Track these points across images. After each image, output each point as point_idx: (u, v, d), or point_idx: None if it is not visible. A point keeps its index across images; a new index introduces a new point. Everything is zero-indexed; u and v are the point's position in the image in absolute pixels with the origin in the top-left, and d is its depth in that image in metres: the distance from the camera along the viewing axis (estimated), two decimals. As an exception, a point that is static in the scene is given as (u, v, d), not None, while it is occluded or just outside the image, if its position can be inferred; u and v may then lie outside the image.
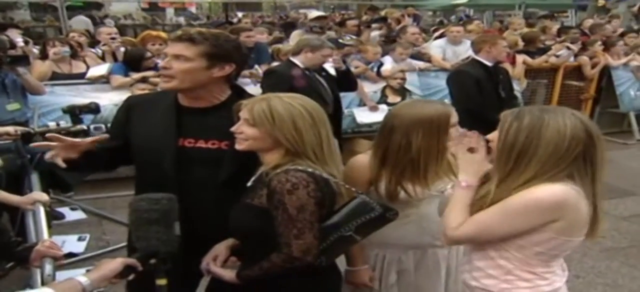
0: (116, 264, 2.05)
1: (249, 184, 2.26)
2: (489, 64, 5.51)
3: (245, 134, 2.18)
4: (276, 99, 2.19)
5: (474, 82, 5.39)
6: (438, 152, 2.53)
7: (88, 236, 5.35)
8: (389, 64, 7.60)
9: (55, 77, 6.55)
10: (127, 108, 2.67)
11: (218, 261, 2.32)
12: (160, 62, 2.48)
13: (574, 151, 1.98)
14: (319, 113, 2.23)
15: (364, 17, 11.19)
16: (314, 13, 10.56)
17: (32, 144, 3.90)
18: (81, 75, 6.66)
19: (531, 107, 2.16)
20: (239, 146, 2.22)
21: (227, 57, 2.46)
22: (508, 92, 5.76)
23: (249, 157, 2.25)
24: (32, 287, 3.12)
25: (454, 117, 2.57)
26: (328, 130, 2.24)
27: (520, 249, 2.09)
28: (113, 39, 7.54)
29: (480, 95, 5.43)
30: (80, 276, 1.94)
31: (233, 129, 2.22)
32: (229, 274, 2.25)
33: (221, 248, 2.34)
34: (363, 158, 2.66)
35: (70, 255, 4.74)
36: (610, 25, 11.19)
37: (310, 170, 2.11)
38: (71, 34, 7.67)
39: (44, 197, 3.34)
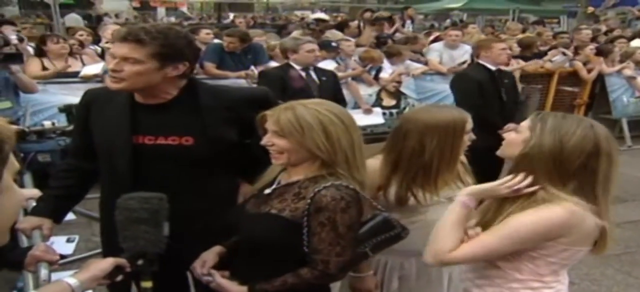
0: (106, 264, 1.97)
1: (267, 191, 2.19)
2: (492, 67, 5.48)
3: (277, 145, 2.08)
4: (301, 107, 2.08)
5: (476, 85, 5.35)
6: (451, 157, 2.49)
7: (77, 237, 5.25)
8: (387, 69, 7.58)
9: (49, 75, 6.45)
10: (86, 103, 2.59)
11: (205, 268, 2.24)
12: (110, 65, 2.36)
13: (576, 161, 1.95)
14: (348, 117, 2.14)
15: (367, 14, 11.05)
16: (316, 14, 10.57)
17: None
18: (76, 74, 6.56)
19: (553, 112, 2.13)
20: (277, 161, 2.12)
21: (179, 56, 2.37)
22: (512, 96, 5.71)
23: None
24: (19, 289, 3.05)
25: (469, 124, 2.53)
26: (359, 134, 2.16)
27: (533, 260, 2.06)
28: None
29: (481, 98, 5.42)
30: (68, 277, 1.86)
31: (263, 142, 2.12)
32: (237, 288, 2.14)
33: (209, 255, 2.27)
34: (373, 163, 2.59)
35: (59, 257, 4.65)
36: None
37: (352, 186, 2.04)
38: (79, 32, 7.59)
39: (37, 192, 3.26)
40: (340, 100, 5.75)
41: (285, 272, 2.08)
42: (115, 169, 2.42)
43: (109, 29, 7.83)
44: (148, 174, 2.36)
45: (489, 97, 5.30)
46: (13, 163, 1.28)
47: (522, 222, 1.99)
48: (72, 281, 1.84)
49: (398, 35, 10.42)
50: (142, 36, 2.28)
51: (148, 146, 2.41)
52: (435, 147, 2.45)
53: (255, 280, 2.11)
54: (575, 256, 2.06)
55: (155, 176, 2.34)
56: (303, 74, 5.43)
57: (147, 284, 2.00)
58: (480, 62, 5.59)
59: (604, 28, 12.94)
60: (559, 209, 1.95)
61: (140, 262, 1.99)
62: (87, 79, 6.48)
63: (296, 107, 2.08)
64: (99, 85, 6.40)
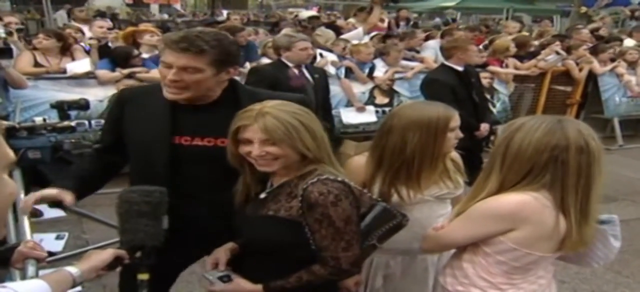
0: (106, 255, 2.03)
1: (262, 195, 2.18)
2: (459, 69, 5.43)
3: (271, 153, 2.05)
4: (274, 110, 2.05)
5: (449, 90, 5.25)
6: (433, 155, 2.47)
7: (67, 234, 5.24)
8: (381, 68, 7.57)
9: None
10: (121, 102, 2.61)
11: (220, 266, 2.23)
12: (169, 76, 2.32)
13: (542, 156, 1.97)
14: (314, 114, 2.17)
15: None
16: (308, 12, 10.55)
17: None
18: (65, 71, 6.52)
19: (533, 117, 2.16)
20: (270, 168, 2.09)
21: (233, 61, 2.42)
22: (480, 94, 5.73)
23: None
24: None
25: (455, 121, 2.51)
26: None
27: (485, 256, 2.11)
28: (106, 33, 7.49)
29: (456, 102, 5.39)
30: (70, 266, 1.92)
31: (256, 153, 2.06)
32: (252, 287, 2.15)
33: (221, 253, 2.27)
34: (360, 159, 2.60)
35: (48, 254, 4.62)
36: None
37: (340, 178, 2.05)
38: (67, 30, 7.56)
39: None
40: (328, 99, 5.79)
41: (293, 271, 2.09)
42: (152, 168, 2.42)
43: (97, 25, 7.79)
44: (183, 174, 2.40)
45: (462, 101, 5.20)
46: (6, 155, 1.23)
47: (477, 205, 2.07)
48: (74, 270, 1.90)
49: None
50: (203, 46, 2.29)
51: (184, 146, 2.44)
52: (416, 143, 2.44)
53: (265, 280, 2.12)
54: (526, 258, 2.06)
55: (189, 176, 2.41)
56: (296, 71, 5.41)
57: (144, 276, 2.02)
58: (448, 64, 5.52)
59: (598, 24, 12.93)
60: (512, 196, 1.99)
61: (138, 254, 2.02)
62: (78, 76, 6.46)
63: (271, 111, 2.05)
64: (90, 81, 6.47)
